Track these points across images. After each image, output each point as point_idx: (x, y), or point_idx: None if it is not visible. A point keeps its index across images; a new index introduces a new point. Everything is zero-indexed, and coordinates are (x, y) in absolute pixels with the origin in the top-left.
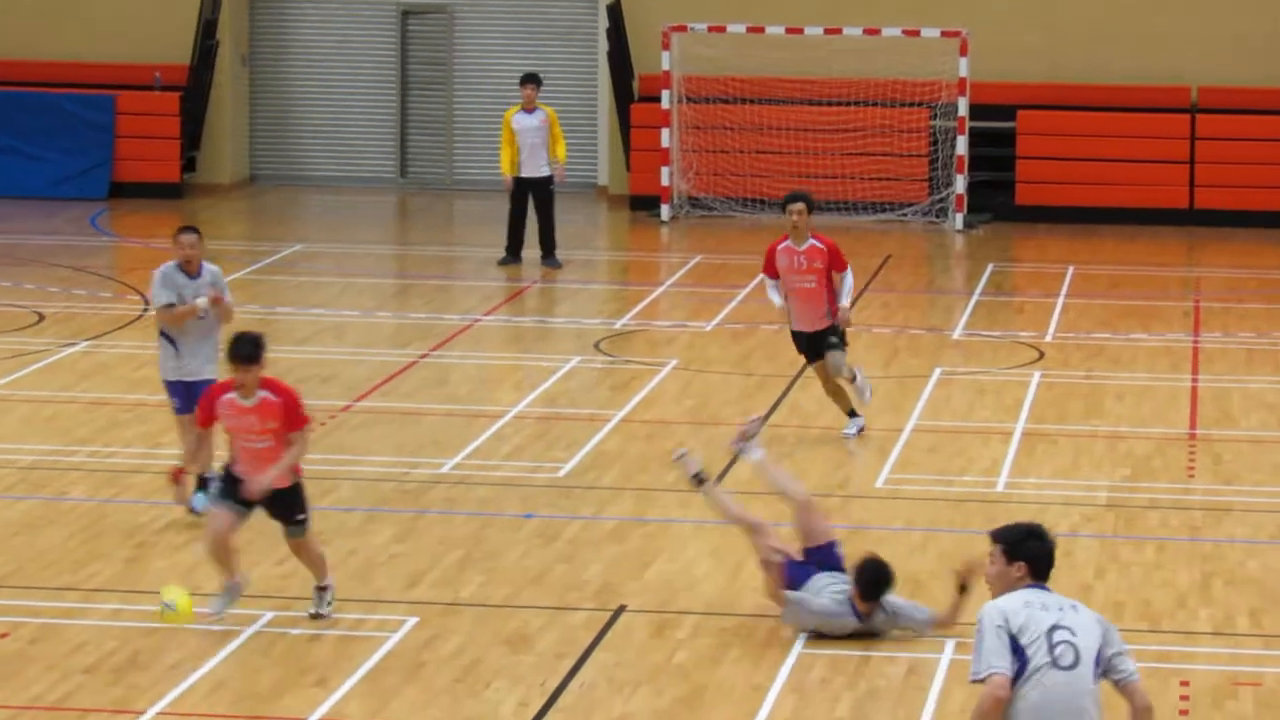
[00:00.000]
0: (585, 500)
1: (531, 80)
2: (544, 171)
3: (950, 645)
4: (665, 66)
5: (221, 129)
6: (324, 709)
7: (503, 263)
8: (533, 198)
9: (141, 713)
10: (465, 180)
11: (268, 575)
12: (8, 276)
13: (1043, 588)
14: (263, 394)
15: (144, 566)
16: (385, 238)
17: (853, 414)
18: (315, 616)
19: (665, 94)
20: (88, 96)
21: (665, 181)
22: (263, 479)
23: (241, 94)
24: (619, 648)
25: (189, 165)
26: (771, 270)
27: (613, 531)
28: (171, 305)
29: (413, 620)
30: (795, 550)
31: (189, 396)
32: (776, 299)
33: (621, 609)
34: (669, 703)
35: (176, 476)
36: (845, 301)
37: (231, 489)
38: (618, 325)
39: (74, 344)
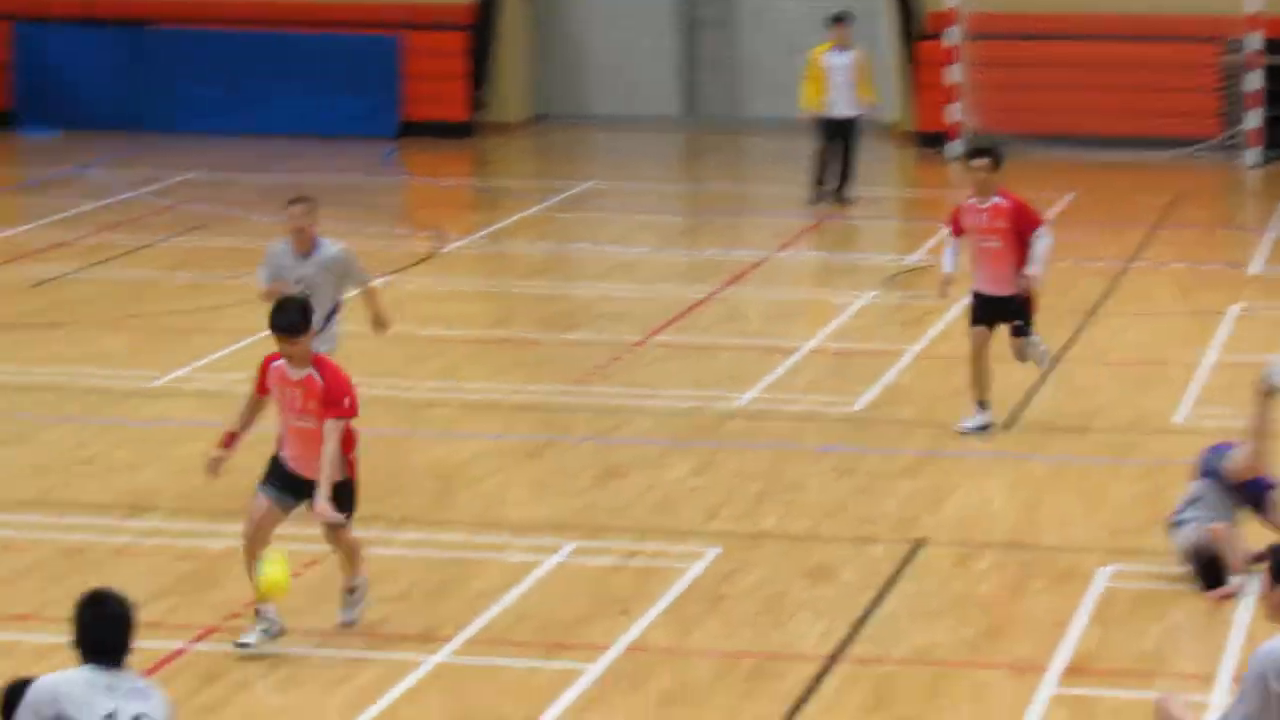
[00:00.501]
0: (881, 434)
1: (843, 19)
2: (852, 111)
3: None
4: (951, 3)
5: (508, 67)
6: (627, 639)
7: (814, 200)
8: (838, 136)
9: (449, 639)
10: (751, 118)
11: (570, 508)
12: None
13: None
14: (310, 370)
15: (448, 498)
16: (673, 175)
17: (982, 406)
18: (345, 624)
19: (952, 30)
20: (375, 37)
21: (953, 118)
22: (325, 510)
23: (528, 32)
24: (920, 579)
25: (477, 104)
26: (958, 228)
27: (909, 465)
28: (275, 285)
29: (714, 552)
30: None
31: None
32: (948, 262)
33: (921, 542)
34: (972, 634)
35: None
36: (1034, 269)
37: (278, 475)
38: (908, 261)
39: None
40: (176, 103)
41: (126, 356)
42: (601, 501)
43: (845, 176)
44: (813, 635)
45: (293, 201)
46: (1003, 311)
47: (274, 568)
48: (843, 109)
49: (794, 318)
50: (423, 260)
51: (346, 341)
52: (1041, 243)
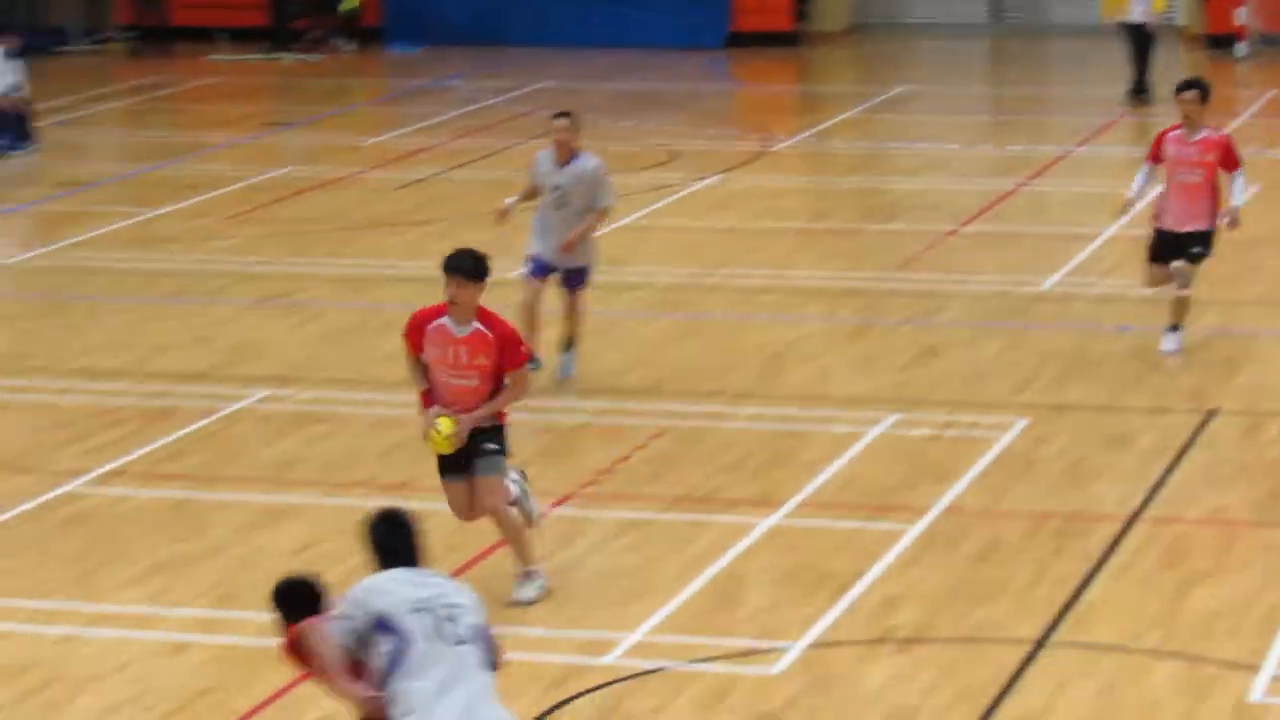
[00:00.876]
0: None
1: None
2: (1147, 17)
3: None
4: None
5: None
6: (945, 501)
7: (1128, 100)
8: (1136, 40)
9: (782, 503)
10: (1054, 23)
11: (890, 383)
12: (640, 119)
13: None
14: (477, 325)
15: (779, 376)
16: (981, 78)
17: (1174, 328)
18: (518, 603)
19: None
20: None
21: (1240, 20)
22: (466, 419)
23: None
24: (1212, 447)
25: (800, 15)
26: (1156, 156)
27: (1202, 342)
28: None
29: (1022, 422)
30: None
31: (542, 269)
32: (1136, 186)
33: (1213, 412)
34: (1262, 495)
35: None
36: (1238, 201)
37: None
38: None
39: (705, 178)
40: (530, 18)
41: (492, 250)
42: (919, 378)
43: (1142, 77)
44: (1113, 498)
45: (557, 115)
46: (1185, 246)
47: (445, 425)
48: (1139, 14)
49: (1094, 208)
50: (753, 160)
51: (687, 235)
52: (1241, 178)
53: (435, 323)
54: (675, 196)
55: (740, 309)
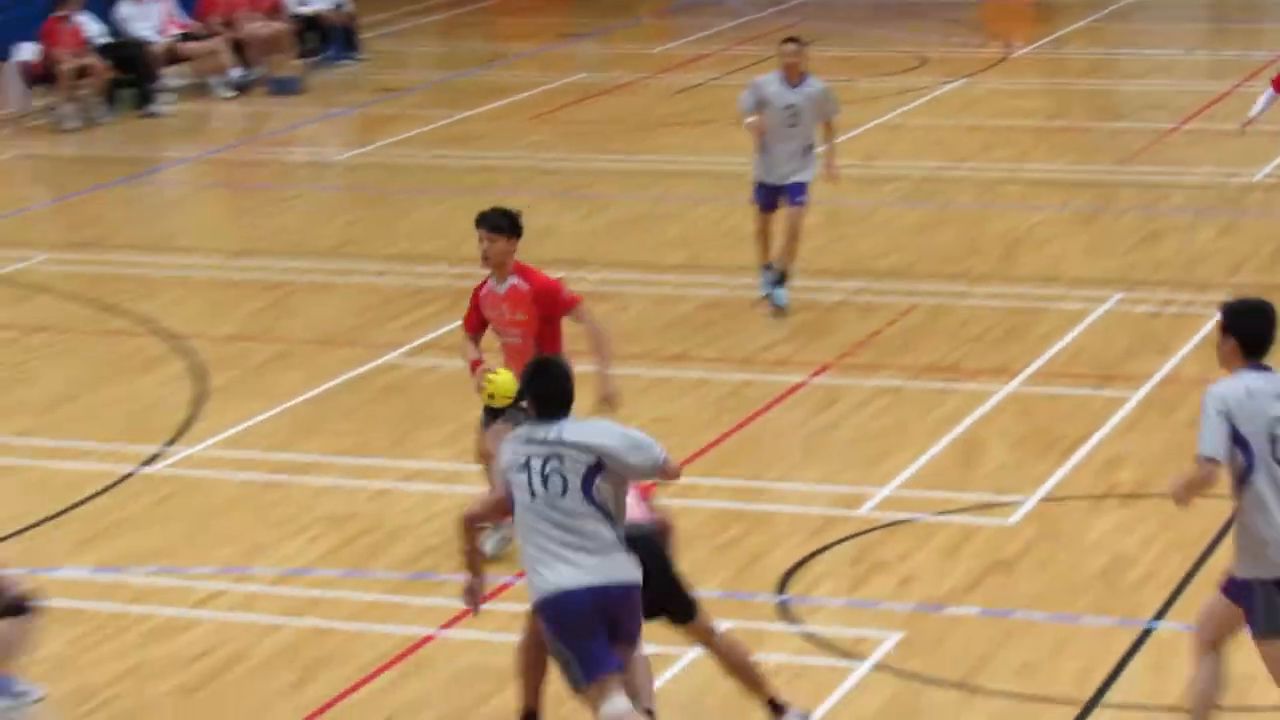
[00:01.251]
0: None
1: None
2: None
3: None
4: None
5: None
6: (1163, 371)
7: None
8: None
9: (1018, 372)
10: None
11: (1117, 265)
12: (893, 28)
13: (1263, 369)
14: (513, 280)
15: (1016, 258)
16: None
17: None
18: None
19: None
20: None
21: None
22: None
23: None
24: None
25: None
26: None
27: None
28: (758, 114)
29: None
30: None
31: (770, 198)
32: (1258, 108)
33: None
34: None
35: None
36: None
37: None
38: None
39: (951, 81)
40: None
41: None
42: (1142, 260)
43: None
44: None
45: (786, 41)
46: None
47: (499, 377)
48: None
49: None
50: (995, 65)
51: (936, 132)
52: None
53: (484, 289)
54: (925, 98)
55: (983, 199)
